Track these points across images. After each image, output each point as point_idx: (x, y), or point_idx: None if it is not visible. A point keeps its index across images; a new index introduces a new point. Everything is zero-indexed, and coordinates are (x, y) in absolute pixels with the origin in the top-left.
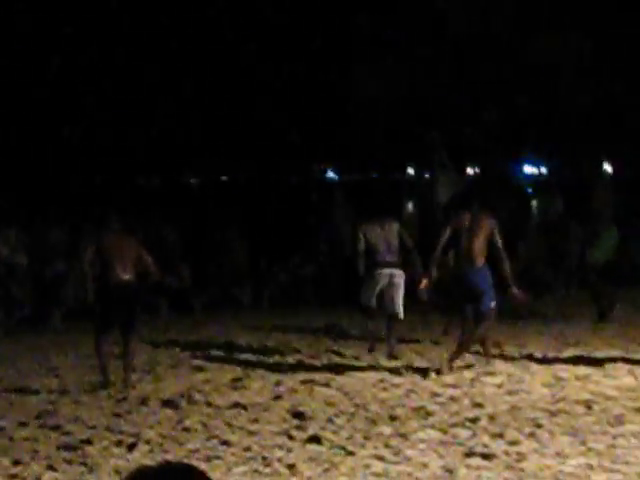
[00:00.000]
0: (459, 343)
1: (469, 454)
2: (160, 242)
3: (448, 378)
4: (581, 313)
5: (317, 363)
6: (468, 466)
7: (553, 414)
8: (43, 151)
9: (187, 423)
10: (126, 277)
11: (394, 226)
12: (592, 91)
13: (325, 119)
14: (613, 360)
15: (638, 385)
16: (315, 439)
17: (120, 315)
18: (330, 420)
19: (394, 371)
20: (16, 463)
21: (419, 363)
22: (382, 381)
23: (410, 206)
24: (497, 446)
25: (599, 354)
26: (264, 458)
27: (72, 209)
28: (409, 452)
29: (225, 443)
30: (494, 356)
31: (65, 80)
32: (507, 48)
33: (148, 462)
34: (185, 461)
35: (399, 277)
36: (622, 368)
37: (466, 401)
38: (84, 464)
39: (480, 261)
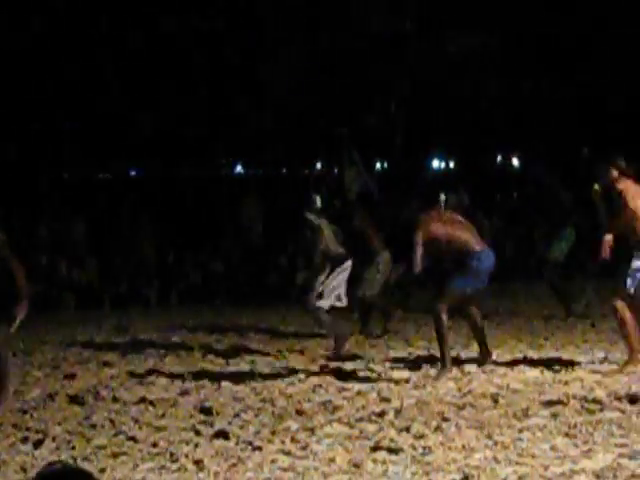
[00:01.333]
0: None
1: (376, 448)
2: (68, 236)
3: (356, 373)
4: (488, 306)
5: (224, 359)
6: (375, 460)
7: (459, 408)
8: None
9: (94, 419)
10: None
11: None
12: (498, 86)
13: (233, 113)
14: (519, 353)
15: (544, 379)
16: (222, 434)
17: None
18: (237, 415)
19: (301, 366)
20: None
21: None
22: (289, 376)
23: (318, 201)
24: (404, 440)
25: (505, 348)
26: (171, 454)
27: None
28: (316, 447)
29: (132, 439)
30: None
31: None
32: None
33: (55, 459)
34: (92, 457)
35: None
36: (528, 362)
37: (373, 395)
38: None
39: None
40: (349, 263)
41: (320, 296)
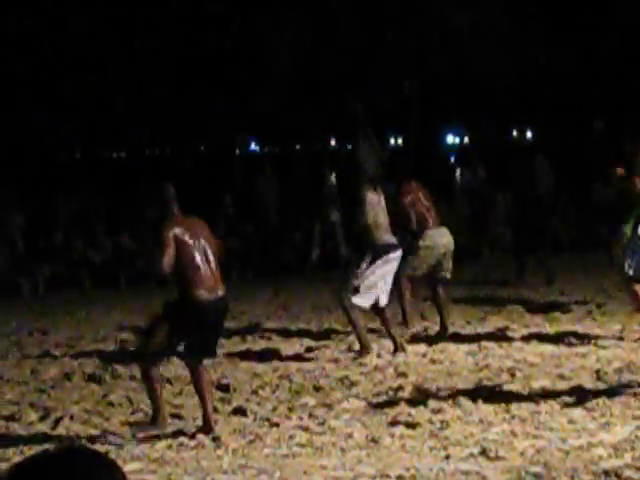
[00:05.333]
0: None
1: (393, 423)
2: (83, 215)
3: (372, 347)
4: (505, 280)
5: (241, 336)
6: (392, 435)
7: (477, 382)
8: None
9: (111, 397)
10: None
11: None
12: (510, 60)
13: (246, 90)
14: (536, 327)
15: (560, 352)
16: (240, 411)
17: None
18: (255, 392)
19: (319, 341)
20: None
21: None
22: (306, 352)
23: (331, 178)
24: (421, 415)
25: (522, 321)
26: (189, 431)
27: None
28: (333, 422)
29: (150, 417)
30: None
31: None
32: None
33: (73, 437)
34: (109, 435)
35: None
36: (545, 335)
37: (390, 370)
38: (9, 440)
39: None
40: (396, 255)
41: (356, 291)
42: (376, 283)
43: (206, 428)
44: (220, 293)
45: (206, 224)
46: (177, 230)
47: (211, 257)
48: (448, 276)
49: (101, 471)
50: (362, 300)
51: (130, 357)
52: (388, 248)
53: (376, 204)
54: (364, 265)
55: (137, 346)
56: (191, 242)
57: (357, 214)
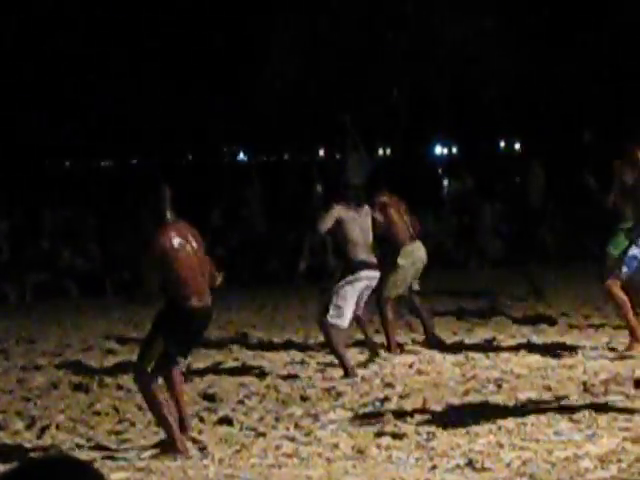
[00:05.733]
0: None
1: (380, 434)
2: (71, 223)
3: (358, 358)
4: (491, 291)
5: (227, 345)
6: (379, 446)
7: (463, 393)
8: None
9: (98, 406)
10: None
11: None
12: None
13: (234, 101)
14: (523, 338)
15: (547, 363)
16: (226, 420)
17: None
18: (241, 402)
19: (306, 351)
20: None
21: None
22: (293, 362)
23: (319, 188)
24: (407, 426)
25: (509, 332)
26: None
27: None
28: (320, 433)
29: (136, 426)
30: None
31: None
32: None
33: (59, 446)
34: (95, 445)
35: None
36: (531, 347)
37: (377, 381)
38: None
39: None
40: (373, 274)
41: (338, 309)
42: (352, 301)
43: (184, 425)
44: (209, 301)
45: (197, 231)
46: (169, 236)
47: (201, 264)
48: (416, 287)
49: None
50: (340, 321)
51: (117, 366)
52: (364, 266)
53: (350, 220)
54: (342, 283)
55: (136, 367)
56: (182, 249)
57: (318, 222)
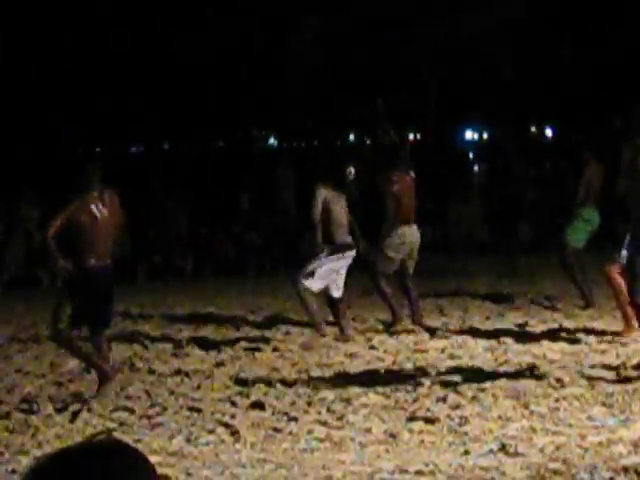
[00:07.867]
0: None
1: (412, 418)
2: None
3: (391, 343)
4: (523, 276)
5: (259, 330)
6: (411, 430)
7: (496, 377)
8: None
9: (130, 391)
10: None
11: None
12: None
13: (265, 86)
14: (555, 323)
15: (580, 348)
16: (258, 405)
17: None
18: (273, 386)
19: (337, 337)
20: None
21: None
22: (324, 347)
23: (352, 172)
24: (440, 410)
25: (541, 317)
26: (207, 425)
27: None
28: (352, 417)
29: (167, 410)
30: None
31: None
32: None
33: (91, 430)
34: (128, 429)
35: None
36: (564, 331)
37: (409, 365)
38: (26, 433)
39: None
40: (351, 253)
41: (311, 275)
42: (329, 274)
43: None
44: (108, 262)
45: (116, 196)
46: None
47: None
48: (411, 271)
49: (138, 467)
50: (312, 283)
51: (148, 351)
52: (345, 247)
53: (335, 201)
54: (322, 256)
55: (50, 330)
56: (88, 214)
57: (309, 208)
